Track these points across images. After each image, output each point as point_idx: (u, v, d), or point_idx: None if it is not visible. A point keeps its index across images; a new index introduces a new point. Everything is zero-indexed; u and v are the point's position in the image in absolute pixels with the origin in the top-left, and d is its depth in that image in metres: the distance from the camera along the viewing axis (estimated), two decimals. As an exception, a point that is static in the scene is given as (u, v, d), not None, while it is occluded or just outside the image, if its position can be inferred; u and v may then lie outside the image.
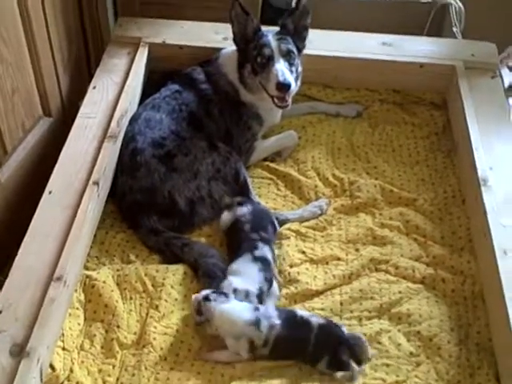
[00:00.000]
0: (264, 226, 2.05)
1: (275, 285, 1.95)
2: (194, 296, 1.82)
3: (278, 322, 1.78)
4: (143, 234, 2.09)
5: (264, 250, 1.97)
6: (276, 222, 2.12)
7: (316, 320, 1.80)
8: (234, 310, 1.79)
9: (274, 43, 2.22)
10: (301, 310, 1.86)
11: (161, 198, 2.10)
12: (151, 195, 2.10)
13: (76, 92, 2.54)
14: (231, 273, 1.92)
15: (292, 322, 1.80)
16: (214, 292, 1.82)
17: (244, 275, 1.91)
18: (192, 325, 1.86)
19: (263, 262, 1.95)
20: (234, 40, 2.29)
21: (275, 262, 2.02)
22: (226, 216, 2.11)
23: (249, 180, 2.26)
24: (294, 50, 2.25)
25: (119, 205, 2.17)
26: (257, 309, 1.82)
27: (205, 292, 1.82)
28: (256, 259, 1.95)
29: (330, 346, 1.77)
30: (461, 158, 2.33)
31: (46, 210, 1.92)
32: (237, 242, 2.02)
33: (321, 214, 2.22)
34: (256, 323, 1.77)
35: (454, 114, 2.47)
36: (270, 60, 2.20)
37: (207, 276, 1.95)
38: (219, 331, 1.79)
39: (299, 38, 2.30)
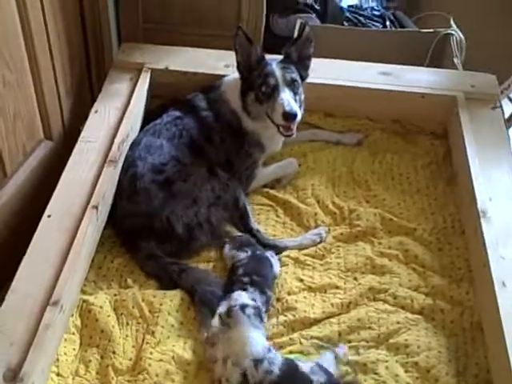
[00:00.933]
0: (258, 271, 2.00)
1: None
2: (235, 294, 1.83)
3: (276, 371, 1.72)
4: (141, 259, 2.09)
5: (254, 294, 1.92)
6: (276, 268, 2.08)
7: (317, 379, 1.71)
8: (253, 337, 1.76)
9: (278, 72, 2.23)
10: (305, 364, 1.75)
11: (159, 224, 2.10)
12: (150, 220, 2.10)
13: (78, 116, 2.55)
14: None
15: (291, 375, 1.74)
16: (255, 308, 1.81)
17: None
18: (188, 351, 1.84)
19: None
20: (238, 68, 2.30)
21: (267, 308, 1.97)
22: (227, 252, 2.10)
23: (248, 207, 2.26)
24: (298, 78, 2.27)
25: (118, 229, 2.17)
26: (269, 349, 1.77)
27: (246, 301, 1.82)
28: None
29: None
30: (460, 188, 2.33)
31: (45, 234, 1.92)
32: (229, 282, 1.99)
33: (320, 242, 2.21)
34: (259, 361, 1.72)
35: (454, 144, 2.48)
36: (275, 89, 2.21)
37: (203, 303, 1.94)
38: (222, 348, 1.76)
39: (302, 67, 2.32)
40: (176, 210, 2.12)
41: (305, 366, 1.75)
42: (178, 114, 2.34)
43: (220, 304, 1.89)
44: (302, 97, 2.29)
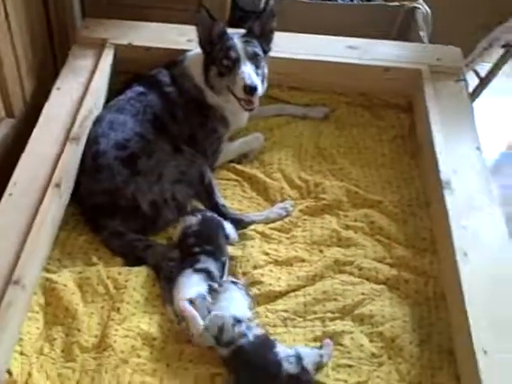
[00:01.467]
0: (210, 238, 2.00)
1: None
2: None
3: (250, 338, 1.74)
4: (106, 237, 2.07)
5: (207, 263, 1.93)
6: (229, 231, 2.08)
7: (287, 367, 1.70)
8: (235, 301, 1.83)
9: (240, 45, 2.21)
10: (284, 349, 1.74)
11: (124, 201, 2.08)
12: (114, 198, 2.08)
13: (41, 93, 2.49)
14: (175, 288, 1.88)
15: (262, 349, 1.74)
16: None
17: (188, 286, 1.87)
18: (154, 326, 1.84)
19: (206, 273, 1.91)
20: (200, 44, 2.28)
21: (224, 273, 1.98)
22: (177, 228, 2.09)
23: (214, 182, 2.25)
24: (260, 52, 2.25)
25: (81, 207, 2.15)
26: (249, 320, 1.82)
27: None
28: (197, 271, 1.91)
29: None
30: (425, 160, 2.35)
31: (6, 213, 1.90)
32: (182, 256, 1.98)
33: (286, 216, 2.22)
34: (238, 321, 1.75)
35: (418, 118, 2.49)
36: (237, 63, 2.19)
37: (167, 279, 1.93)
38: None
39: (265, 41, 2.30)
40: (141, 186, 2.10)
41: (283, 350, 1.75)
42: (141, 89, 2.31)
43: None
44: (265, 70, 2.28)
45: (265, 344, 1.76)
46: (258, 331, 1.79)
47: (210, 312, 1.79)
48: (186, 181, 2.18)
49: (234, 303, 1.84)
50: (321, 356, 1.78)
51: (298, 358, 1.73)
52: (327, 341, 1.83)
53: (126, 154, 2.12)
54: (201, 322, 1.75)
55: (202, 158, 2.25)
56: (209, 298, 1.84)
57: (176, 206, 2.16)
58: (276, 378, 1.70)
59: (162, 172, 2.13)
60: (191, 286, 1.86)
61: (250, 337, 1.75)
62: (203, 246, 1.97)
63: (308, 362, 1.73)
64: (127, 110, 2.25)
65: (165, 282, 1.94)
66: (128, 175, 2.09)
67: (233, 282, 1.91)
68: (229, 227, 2.09)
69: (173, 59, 2.43)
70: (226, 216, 2.16)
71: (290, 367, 1.70)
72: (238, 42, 2.22)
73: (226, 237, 2.06)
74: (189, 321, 1.77)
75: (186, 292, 1.83)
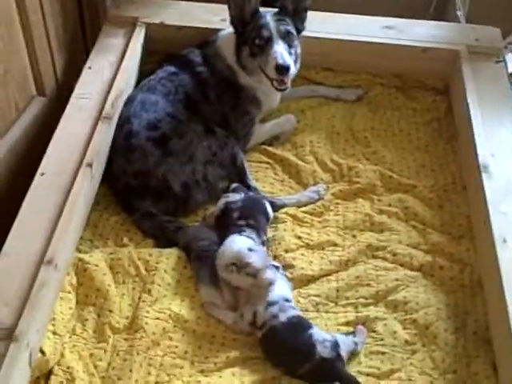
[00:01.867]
0: (254, 214, 1.98)
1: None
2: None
3: (283, 319, 1.74)
4: (137, 218, 2.06)
5: (252, 235, 1.92)
6: (270, 212, 2.06)
7: (322, 350, 1.68)
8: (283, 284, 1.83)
9: (272, 24, 2.17)
10: (321, 333, 1.73)
11: (155, 182, 2.07)
12: (145, 178, 2.07)
13: (72, 72, 2.48)
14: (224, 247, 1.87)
15: (295, 330, 1.73)
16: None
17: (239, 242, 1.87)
18: (186, 308, 1.83)
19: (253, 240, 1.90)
20: (232, 23, 2.24)
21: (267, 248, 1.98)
22: (218, 204, 2.06)
23: (246, 164, 2.22)
24: (293, 31, 2.21)
25: (113, 187, 2.14)
26: (287, 300, 1.80)
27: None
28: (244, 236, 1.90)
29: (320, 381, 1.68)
30: (462, 144, 2.29)
31: (38, 193, 1.89)
32: (224, 229, 1.95)
33: (318, 199, 2.18)
34: (270, 304, 1.76)
35: (456, 100, 2.43)
36: (269, 42, 2.15)
37: (199, 259, 1.92)
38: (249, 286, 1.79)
39: (299, 20, 2.26)
40: (172, 167, 2.08)
41: (319, 333, 1.73)
42: (172, 69, 2.29)
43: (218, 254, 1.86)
44: (298, 50, 2.23)
45: (299, 325, 1.75)
46: (294, 313, 1.78)
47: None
48: (217, 162, 2.15)
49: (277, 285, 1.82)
50: (355, 344, 1.76)
51: (335, 344, 1.70)
52: (360, 327, 1.80)
53: (158, 135, 2.10)
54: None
55: (234, 140, 2.22)
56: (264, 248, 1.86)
57: (207, 188, 2.14)
58: (308, 359, 1.68)
59: (194, 153, 2.11)
60: (242, 241, 1.86)
61: (283, 318, 1.74)
62: (248, 220, 1.95)
63: (343, 349, 1.71)
64: (158, 90, 2.22)
65: (196, 262, 1.92)
66: (160, 156, 2.07)
67: (273, 266, 1.89)
68: (269, 208, 2.06)
69: (205, 39, 2.39)
70: None
71: (324, 351, 1.68)
72: (270, 21, 2.18)
73: (267, 217, 2.04)
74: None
75: (237, 246, 1.84)
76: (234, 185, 2.12)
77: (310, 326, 1.75)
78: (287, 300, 1.81)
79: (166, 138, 2.10)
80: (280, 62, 2.10)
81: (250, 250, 1.81)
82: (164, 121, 2.13)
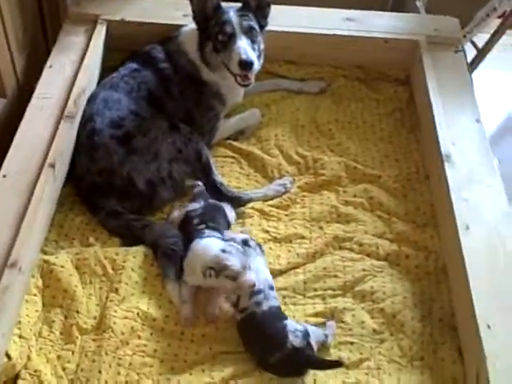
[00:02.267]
0: (213, 218, 1.98)
1: None
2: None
3: (265, 308, 1.76)
4: (102, 217, 2.05)
5: (214, 233, 1.90)
6: (230, 217, 2.05)
7: (293, 339, 1.69)
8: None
9: (235, 20, 2.16)
10: (293, 323, 1.75)
11: (120, 180, 2.05)
12: (110, 177, 2.05)
13: (33, 72, 2.45)
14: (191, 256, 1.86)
15: (271, 320, 1.76)
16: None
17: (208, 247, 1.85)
18: (154, 307, 1.83)
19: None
20: (194, 18, 2.23)
21: None
22: (175, 213, 2.06)
23: (211, 160, 2.22)
24: (256, 26, 2.20)
25: (77, 187, 2.12)
26: (272, 287, 1.83)
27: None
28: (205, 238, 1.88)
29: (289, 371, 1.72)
30: (424, 133, 2.32)
31: (0, 195, 1.87)
32: (186, 236, 1.94)
33: (285, 193, 2.19)
34: (256, 292, 1.77)
35: (417, 90, 2.46)
36: (232, 37, 2.14)
37: (166, 256, 1.91)
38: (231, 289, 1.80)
39: (261, 15, 2.25)
40: (137, 165, 2.07)
41: (292, 324, 1.75)
42: (135, 66, 2.27)
43: (185, 256, 1.86)
44: (261, 45, 2.23)
45: (276, 316, 1.78)
46: (275, 303, 1.80)
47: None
48: (182, 159, 2.15)
49: (259, 272, 1.84)
50: (325, 336, 1.77)
51: (306, 334, 1.72)
52: (330, 322, 1.82)
53: (122, 133, 2.08)
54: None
55: (198, 136, 2.21)
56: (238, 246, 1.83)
57: (172, 185, 2.13)
58: (279, 348, 1.70)
59: (159, 150, 2.10)
60: (213, 243, 1.84)
61: (265, 307, 1.76)
62: (208, 223, 1.94)
63: (313, 339, 1.73)
64: (121, 87, 2.21)
65: (164, 259, 1.91)
66: (124, 154, 2.06)
67: (245, 243, 1.90)
68: (229, 213, 2.06)
69: (167, 35, 2.38)
70: (223, 194, 2.14)
71: (295, 340, 1.70)
72: (233, 16, 2.17)
73: (228, 222, 2.04)
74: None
75: (208, 252, 1.80)
76: (196, 190, 2.11)
77: (285, 317, 1.78)
78: (271, 287, 1.83)
79: (129, 135, 2.09)
80: (243, 57, 2.10)
81: (224, 251, 1.78)
82: (127, 119, 2.12)
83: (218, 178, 2.19)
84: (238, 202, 2.14)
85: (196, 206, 2.02)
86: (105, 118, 2.11)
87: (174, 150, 2.13)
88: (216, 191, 2.14)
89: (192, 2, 2.19)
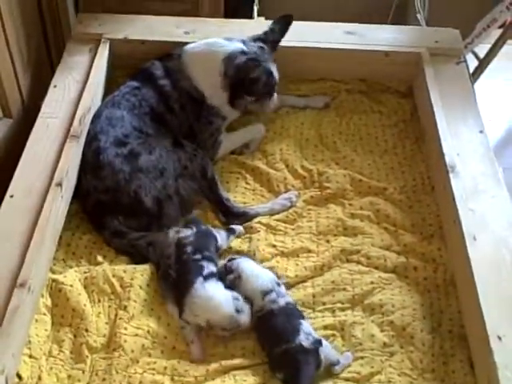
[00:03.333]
0: (207, 246, 1.97)
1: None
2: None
3: (282, 303, 1.81)
4: (107, 237, 2.05)
5: (210, 267, 1.90)
6: (220, 242, 2.03)
7: (303, 339, 1.73)
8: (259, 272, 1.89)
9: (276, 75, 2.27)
10: (310, 326, 1.80)
11: (127, 198, 2.05)
12: (116, 195, 2.06)
13: (38, 92, 2.47)
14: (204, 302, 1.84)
15: (290, 317, 1.79)
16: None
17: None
18: (164, 324, 1.83)
19: (215, 276, 1.89)
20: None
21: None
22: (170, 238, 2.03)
23: (216, 176, 2.22)
24: None
25: (83, 205, 2.12)
26: (278, 284, 1.88)
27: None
28: (207, 278, 1.87)
29: (296, 370, 1.71)
30: (428, 145, 2.33)
31: (8, 215, 1.88)
32: (181, 264, 1.92)
33: (291, 207, 2.19)
34: (267, 292, 1.83)
35: (420, 102, 2.46)
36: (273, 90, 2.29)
37: (164, 277, 1.91)
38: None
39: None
40: (143, 183, 2.07)
41: (307, 326, 1.79)
42: (135, 84, 2.28)
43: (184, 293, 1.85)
44: None
45: (293, 312, 1.82)
46: (290, 299, 1.85)
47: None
48: (188, 175, 2.15)
49: (260, 276, 1.87)
50: (337, 361, 1.77)
51: (318, 342, 1.74)
52: (348, 353, 1.80)
53: (127, 151, 2.09)
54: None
55: (202, 152, 2.22)
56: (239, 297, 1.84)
57: (180, 202, 2.13)
58: (287, 341, 1.73)
59: (164, 167, 2.11)
60: (227, 300, 1.83)
61: (282, 302, 1.81)
62: (203, 252, 1.93)
63: (324, 352, 1.74)
64: (123, 104, 2.22)
65: (163, 280, 1.91)
66: (130, 172, 2.06)
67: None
68: (220, 239, 2.04)
69: (169, 52, 2.39)
70: (229, 210, 2.15)
71: (305, 341, 1.73)
72: (274, 70, 2.26)
73: (217, 248, 2.02)
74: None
75: (221, 312, 1.81)
76: (190, 216, 2.12)
77: (302, 317, 1.82)
78: (278, 284, 1.86)
79: (135, 153, 2.09)
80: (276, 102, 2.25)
81: (238, 311, 1.80)
82: (131, 135, 2.13)
83: (225, 193, 2.20)
84: (244, 217, 2.14)
85: (187, 232, 1.99)
86: (109, 136, 2.12)
87: (179, 166, 2.14)
88: (222, 207, 2.15)
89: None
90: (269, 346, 1.77)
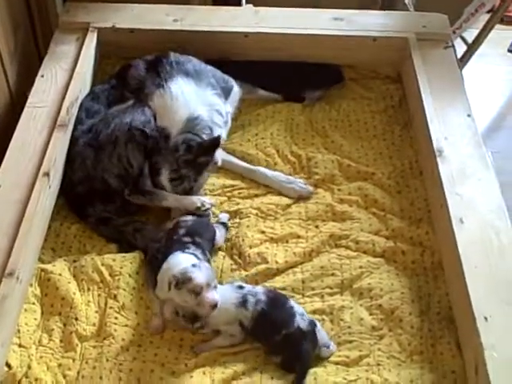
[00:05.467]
0: (200, 234, 1.95)
1: None
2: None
3: (263, 298, 1.78)
4: (93, 225, 2.05)
5: (196, 252, 1.87)
6: (218, 239, 2.02)
7: (300, 321, 1.75)
8: (224, 296, 1.77)
9: None
10: (299, 307, 1.82)
11: (98, 184, 2.04)
12: (89, 184, 2.05)
13: (26, 82, 2.46)
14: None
15: (278, 305, 1.80)
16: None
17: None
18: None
19: (195, 256, 1.85)
20: None
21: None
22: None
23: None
24: None
25: (66, 198, 2.12)
26: (241, 287, 1.82)
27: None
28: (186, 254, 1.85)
29: (296, 352, 1.74)
30: (416, 129, 2.33)
31: (-4, 205, 1.88)
32: (170, 244, 1.91)
33: (199, 209, 2.08)
34: (243, 303, 1.77)
35: (408, 87, 2.47)
36: None
37: (150, 263, 1.91)
38: (210, 322, 1.77)
39: None
40: (105, 164, 2.04)
41: (298, 307, 1.81)
42: (115, 82, 2.28)
43: (160, 268, 1.81)
44: None
45: (277, 298, 1.82)
46: (262, 289, 1.84)
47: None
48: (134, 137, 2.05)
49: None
50: (329, 344, 1.79)
51: (312, 323, 1.78)
52: (333, 345, 1.80)
53: (92, 135, 2.08)
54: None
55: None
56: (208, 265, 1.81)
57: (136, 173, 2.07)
58: (286, 326, 1.75)
59: (117, 135, 2.04)
60: (186, 257, 1.81)
61: (262, 297, 1.79)
62: (194, 237, 1.92)
63: (319, 331, 1.77)
64: (101, 99, 2.22)
65: (149, 265, 1.91)
66: (94, 156, 2.05)
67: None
68: (219, 235, 2.02)
69: (158, 40, 2.38)
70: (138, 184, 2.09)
71: (302, 322, 1.75)
72: None
73: (213, 243, 2.00)
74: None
75: (180, 262, 1.79)
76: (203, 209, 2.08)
77: (286, 297, 1.83)
78: (240, 287, 1.83)
79: (97, 134, 2.07)
80: None
81: (194, 266, 1.75)
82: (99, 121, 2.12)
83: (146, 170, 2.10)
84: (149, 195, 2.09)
85: (188, 217, 2.00)
86: (84, 126, 2.13)
87: (130, 127, 2.05)
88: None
89: None
90: (266, 337, 1.77)
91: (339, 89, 2.55)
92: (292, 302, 1.82)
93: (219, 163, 2.16)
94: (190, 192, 2.11)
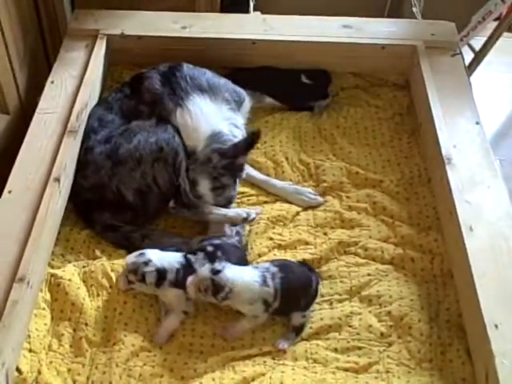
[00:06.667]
0: (226, 251, 1.92)
1: None
2: (199, 275, 1.77)
3: (275, 268, 1.83)
4: (100, 231, 2.06)
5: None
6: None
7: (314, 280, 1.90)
8: (248, 275, 1.81)
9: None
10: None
11: (111, 194, 2.05)
12: (100, 192, 2.06)
13: (35, 88, 2.48)
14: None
15: (289, 267, 1.88)
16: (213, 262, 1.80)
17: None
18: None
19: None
20: None
21: None
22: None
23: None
24: None
25: (74, 204, 2.12)
26: (256, 267, 1.86)
27: (206, 267, 1.79)
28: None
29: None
30: (425, 137, 2.33)
31: (6, 211, 1.88)
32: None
33: (245, 220, 2.08)
34: (263, 281, 1.79)
35: (416, 94, 2.47)
36: None
37: None
38: (232, 302, 1.79)
39: None
40: (123, 177, 2.05)
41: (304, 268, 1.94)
42: (127, 91, 2.28)
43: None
44: None
45: (290, 265, 1.91)
46: (267, 264, 1.90)
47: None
48: (163, 159, 2.07)
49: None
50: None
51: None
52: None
53: (110, 146, 2.08)
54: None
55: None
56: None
57: (159, 191, 2.08)
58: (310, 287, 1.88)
59: (141, 154, 2.04)
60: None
61: (273, 268, 1.85)
62: (217, 250, 1.90)
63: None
64: (115, 109, 2.23)
65: None
66: (110, 167, 2.05)
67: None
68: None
69: (166, 47, 2.40)
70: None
71: (314, 282, 1.91)
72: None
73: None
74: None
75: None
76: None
77: (292, 262, 1.95)
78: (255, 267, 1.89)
79: (116, 147, 2.07)
80: None
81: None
82: (116, 132, 2.12)
83: (184, 183, 2.10)
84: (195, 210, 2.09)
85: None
86: (98, 135, 2.13)
87: (156, 149, 2.06)
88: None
89: None
90: (295, 305, 1.85)
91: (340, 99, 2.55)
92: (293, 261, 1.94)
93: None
94: (232, 201, 2.13)
